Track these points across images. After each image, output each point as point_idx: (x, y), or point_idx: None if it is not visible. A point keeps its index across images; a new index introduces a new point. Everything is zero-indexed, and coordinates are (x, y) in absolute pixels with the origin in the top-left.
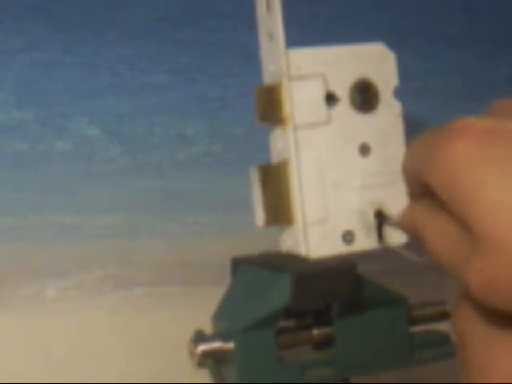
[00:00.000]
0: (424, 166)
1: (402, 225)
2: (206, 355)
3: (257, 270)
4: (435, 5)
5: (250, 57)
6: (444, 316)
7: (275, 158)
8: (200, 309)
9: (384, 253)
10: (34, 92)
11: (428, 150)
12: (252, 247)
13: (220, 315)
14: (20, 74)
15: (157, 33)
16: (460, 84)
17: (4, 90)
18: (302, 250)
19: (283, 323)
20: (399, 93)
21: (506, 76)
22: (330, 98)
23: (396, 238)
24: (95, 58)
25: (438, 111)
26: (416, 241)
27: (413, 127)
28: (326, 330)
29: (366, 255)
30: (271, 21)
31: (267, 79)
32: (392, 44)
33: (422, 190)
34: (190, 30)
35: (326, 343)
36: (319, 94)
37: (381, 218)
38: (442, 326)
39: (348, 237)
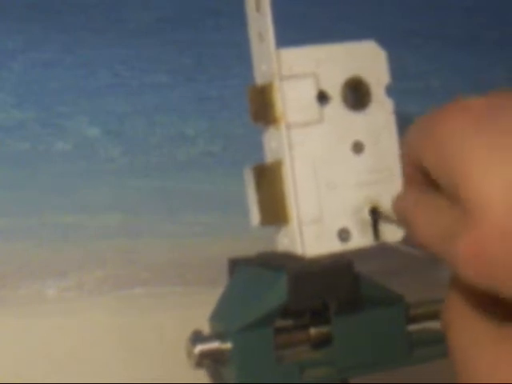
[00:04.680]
0: (418, 145)
1: (394, 210)
2: (204, 355)
3: (254, 270)
4: (435, 5)
5: (250, 56)
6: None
7: (269, 158)
8: (199, 309)
9: (379, 253)
10: (34, 92)
11: (421, 130)
12: (252, 247)
13: (218, 315)
14: (20, 73)
15: (157, 33)
16: (460, 84)
17: (4, 90)
18: (298, 250)
19: (281, 323)
20: (399, 92)
21: (505, 76)
22: (322, 97)
23: (392, 234)
24: (95, 57)
25: None
26: (405, 228)
27: None
28: (323, 329)
29: (361, 256)
30: (261, 21)
31: (259, 79)
32: (392, 44)
33: (417, 175)
34: (190, 30)
35: (323, 342)
36: (311, 93)
37: (376, 214)
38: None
39: (344, 235)
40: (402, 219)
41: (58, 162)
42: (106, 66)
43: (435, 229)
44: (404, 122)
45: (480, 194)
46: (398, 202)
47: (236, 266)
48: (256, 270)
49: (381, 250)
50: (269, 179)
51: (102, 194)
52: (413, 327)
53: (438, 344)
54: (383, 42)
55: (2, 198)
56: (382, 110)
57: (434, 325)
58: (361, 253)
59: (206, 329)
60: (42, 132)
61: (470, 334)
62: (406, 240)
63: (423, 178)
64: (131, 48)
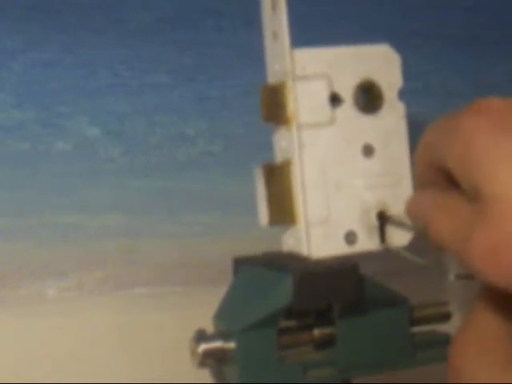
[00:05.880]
0: (442, 146)
1: (408, 212)
2: (208, 355)
3: (258, 269)
4: (435, 5)
5: (250, 56)
6: (445, 317)
7: (279, 158)
8: (200, 309)
9: (383, 254)
10: (34, 92)
11: (446, 131)
12: (252, 247)
13: (221, 315)
14: (20, 73)
15: (157, 33)
16: (460, 84)
17: (4, 90)
18: (304, 250)
19: (285, 323)
20: (399, 92)
21: (505, 76)
22: (335, 99)
23: (398, 239)
24: (95, 57)
25: (438, 111)
26: (420, 232)
27: (413, 127)
28: (327, 330)
29: (364, 256)
30: (277, 20)
31: (271, 79)
32: (392, 44)
33: (434, 176)
34: (190, 30)
35: (327, 343)
36: (323, 95)
37: (383, 219)
38: (444, 327)
39: (350, 237)
40: (416, 219)
41: (58, 162)
42: (106, 66)
43: (452, 227)
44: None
45: (501, 190)
46: (413, 201)
47: (240, 265)
48: (260, 269)
49: (384, 250)
50: (278, 178)
51: (102, 194)
52: (416, 329)
53: (441, 346)
54: (383, 42)
55: (2, 198)
56: (393, 114)
57: (437, 327)
58: (364, 253)
59: (206, 329)
60: (41, 132)
61: (490, 379)
62: (412, 246)
63: (441, 179)
64: (131, 48)
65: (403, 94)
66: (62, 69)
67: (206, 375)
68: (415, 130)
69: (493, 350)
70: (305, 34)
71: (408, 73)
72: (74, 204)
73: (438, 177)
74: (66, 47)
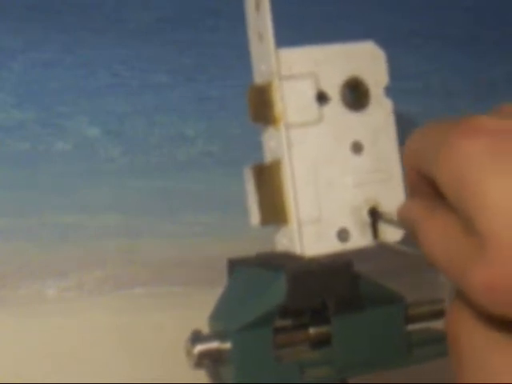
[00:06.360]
0: (431, 161)
1: (400, 220)
2: (204, 355)
3: (252, 270)
4: (435, 5)
5: (250, 57)
6: (441, 314)
7: (268, 158)
8: (200, 309)
9: (379, 252)
10: (34, 92)
11: (435, 145)
12: (252, 247)
13: (217, 315)
14: (20, 73)
15: (157, 33)
16: (460, 84)
17: (4, 90)
18: (297, 249)
19: (280, 322)
20: (399, 92)
21: (505, 76)
22: (322, 97)
23: (391, 234)
24: (95, 57)
25: (438, 111)
26: (412, 236)
27: (412, 127)
28: (322, 329)
29: (360, 255)
30: (261, 21)
31: (258, 79)
32: (392, 44)
33: (422, 184)
34: (190, 30)
35: (323, 342)
36: (310, 93)
37: (375, 215)
38: (439, 325)
39: (343, 235)
40: (408, 229)
41: (58, 162)
42: (106, 66)
43: (446, 250)
44: (404, 122)
45: (496, 227)
46: (404, 211)
47: (235, 266)
48: (255, 269)
49: (380, 249)
50: (268, 179)
51: (102, 194)
52: (412, 327)
53: (436, 344)
54: (383, 42)
55: (2, 198)
56: (380, 111)
57: (433, 324)
58: (360, 252)
59: (205, 329)
60: (42, 132)
61: (488, 345)
62: (405, 240)
63: (429, 186)
64: (131, 48)
65: (403, 94)
66: (62, 69)
67: (205, 375)
68: (415, 129)
69: (487, 313)
70: (304, 34)
71: (408, 73)
72: (74, 204)
73: (423, 182)
74: (66, 47)
